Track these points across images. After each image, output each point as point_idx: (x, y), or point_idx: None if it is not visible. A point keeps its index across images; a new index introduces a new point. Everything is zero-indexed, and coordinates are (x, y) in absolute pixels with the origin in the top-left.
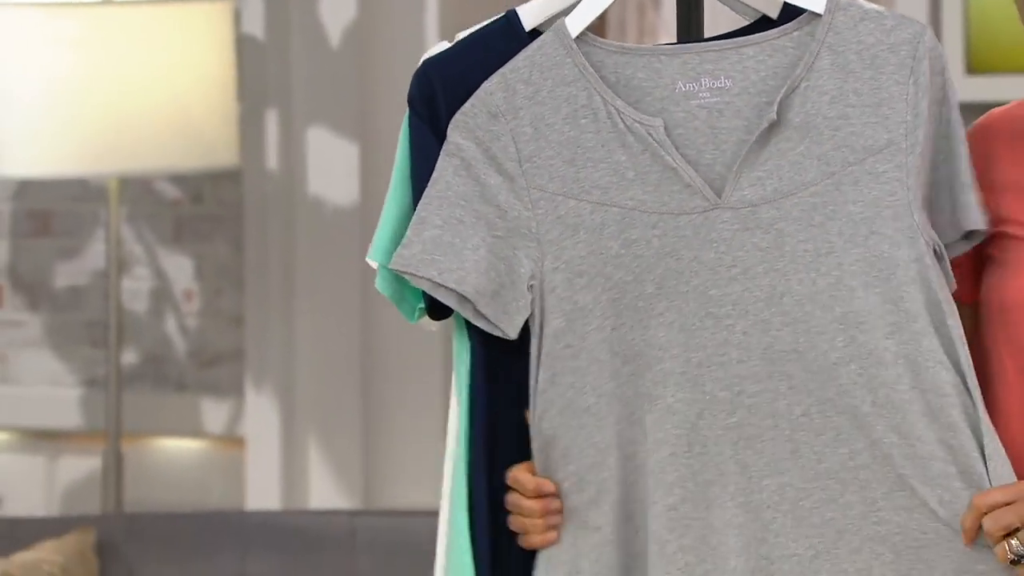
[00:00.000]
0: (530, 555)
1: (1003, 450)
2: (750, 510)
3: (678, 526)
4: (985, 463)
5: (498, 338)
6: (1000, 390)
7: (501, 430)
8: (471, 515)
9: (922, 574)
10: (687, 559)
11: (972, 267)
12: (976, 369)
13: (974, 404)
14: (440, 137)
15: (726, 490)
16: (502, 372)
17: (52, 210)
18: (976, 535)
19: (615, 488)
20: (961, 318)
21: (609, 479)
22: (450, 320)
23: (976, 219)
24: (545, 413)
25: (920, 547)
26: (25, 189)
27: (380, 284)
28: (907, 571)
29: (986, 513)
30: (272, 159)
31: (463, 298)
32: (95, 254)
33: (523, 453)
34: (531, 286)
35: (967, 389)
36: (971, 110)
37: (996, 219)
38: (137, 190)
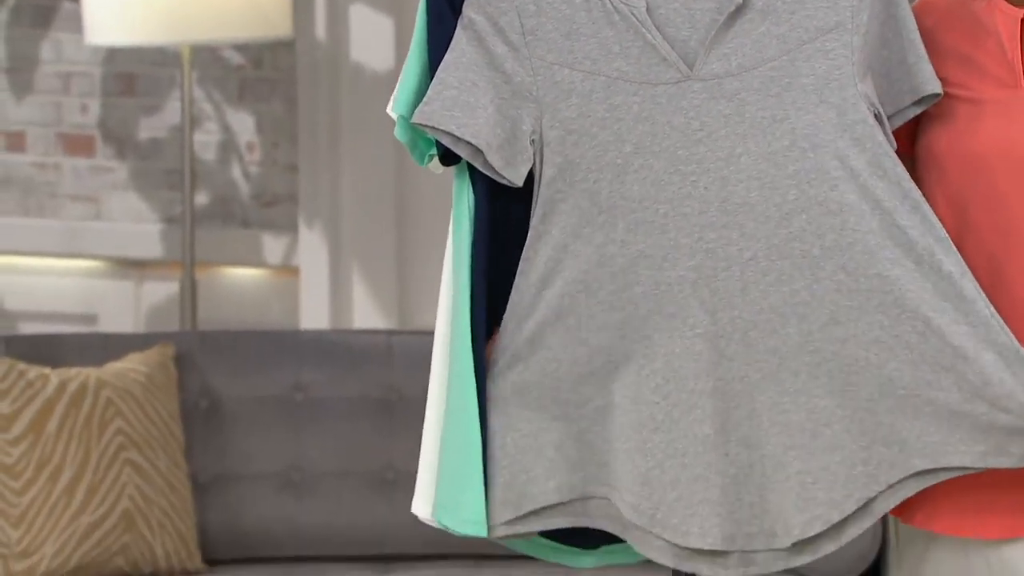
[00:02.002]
0: None
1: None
2: (708, 339)
3: (649, 352)
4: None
5: (495, 184)
6: None
7: (495, 262)
8: (473, 333)
9: (851, 395)
10: (656, 381)
11: (911, 121)
12: None
13: (932, 233)
14: (452, 5)
15: (686, 322)
16: (499, 213)
17: (135, 73)
18: None
19: (569, 316)
20: None
21: (565, 307)
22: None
23: (934, 84)
24: (532, 244)
25: (850, 372)
26: (113, 55)
27: (398, 132)
28: (840, 390)
29: None
30: (321, 30)
31: (476, 149)
32: (172, 111)
33: (511, 281)
34: (532, 141)
35: (927, 224)
36: None
37: None
38: (207, 56)
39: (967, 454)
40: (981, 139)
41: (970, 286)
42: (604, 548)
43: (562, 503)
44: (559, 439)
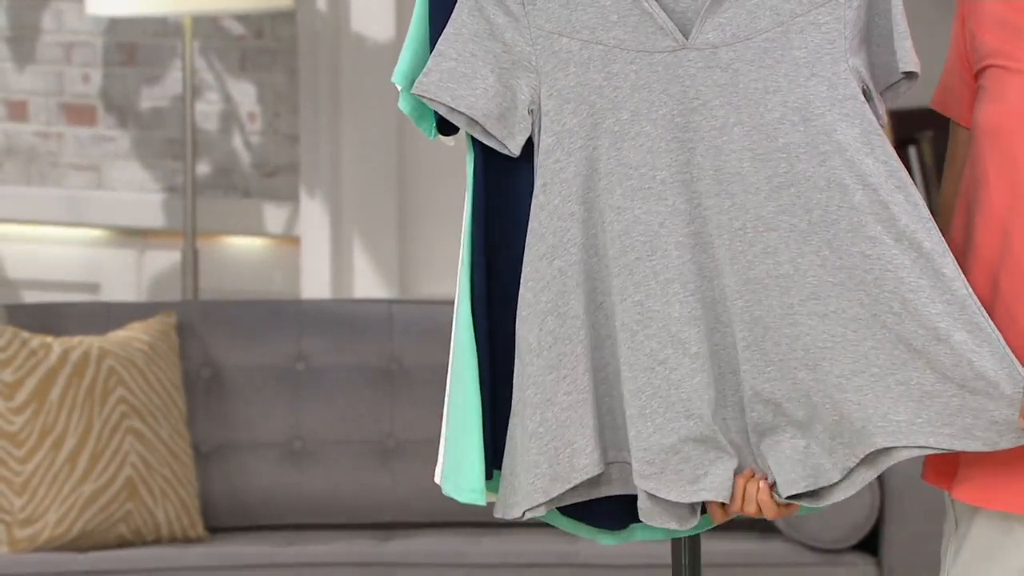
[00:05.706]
0: None
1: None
2: (704, 304)
3: (643, 318)
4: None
5: (497, 153)
6: (984, 194)
7: (497, 230)
8: (472, 303)
9: (826, 369)
10: (652, 346)
11: (973, 96)
12: (968, 180)
13: (915, 212)
14: None
15: (685, 287)
16: (500, 181)
17: (137, 43)
18: None
19: (586, 282)
20: (961, 140)
21: (581, 273)
22: (464, 137)
23: (910, 62)
24: (536, 216)
25: (826, 347)
26: (115, 25)
27: (402, 104)
28: (815, 364)
29: None
30: (321, 1)
31: (472, 120)
32: (173, 81)
33: (516, 248)
34: (531, 110)
35: (911, 203)
36: None
37: (987, 53)
38: (208, 26)
39: (933, 435)
40: None
41: (950, 265)
42: (629, 527)
43: (599, 473)
44: (595, 408)
